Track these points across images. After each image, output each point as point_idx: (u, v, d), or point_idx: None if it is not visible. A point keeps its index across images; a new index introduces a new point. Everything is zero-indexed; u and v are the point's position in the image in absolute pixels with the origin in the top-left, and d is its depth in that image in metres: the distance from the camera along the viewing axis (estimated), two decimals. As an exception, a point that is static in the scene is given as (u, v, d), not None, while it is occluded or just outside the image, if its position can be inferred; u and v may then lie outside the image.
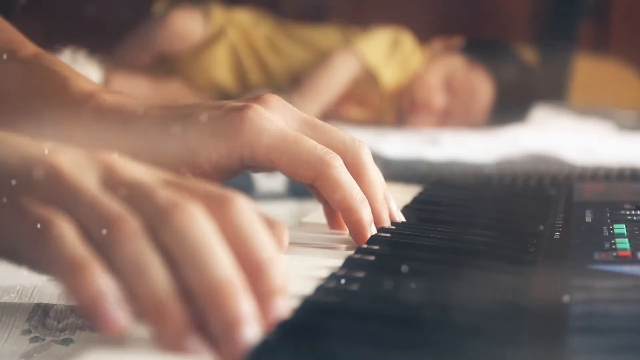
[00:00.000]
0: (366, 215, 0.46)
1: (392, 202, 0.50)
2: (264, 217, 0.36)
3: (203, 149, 0.47)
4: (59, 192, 0.32)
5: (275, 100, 0.49)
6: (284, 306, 0.32)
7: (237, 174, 0.49)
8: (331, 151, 0.47)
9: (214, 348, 0.30)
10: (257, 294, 0.32)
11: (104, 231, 0.31)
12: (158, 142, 0.47)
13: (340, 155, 0.47)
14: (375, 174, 0.49)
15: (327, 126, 0.49)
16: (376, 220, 0.48)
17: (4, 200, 0.32)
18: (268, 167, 0.49)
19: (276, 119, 0.47)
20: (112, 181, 0.33)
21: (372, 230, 0.47)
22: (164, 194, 0.32)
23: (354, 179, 0.47)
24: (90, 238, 0.31)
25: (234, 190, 0.34)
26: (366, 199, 0.47)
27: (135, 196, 0.32)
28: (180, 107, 0.49)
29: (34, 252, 0.31)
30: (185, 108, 0.48)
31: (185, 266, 0.31)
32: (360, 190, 0.47)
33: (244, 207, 0.33)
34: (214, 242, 0.31)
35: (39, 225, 0.31)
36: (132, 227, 0.31)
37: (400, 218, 0.50)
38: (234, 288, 0.31)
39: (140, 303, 0.30)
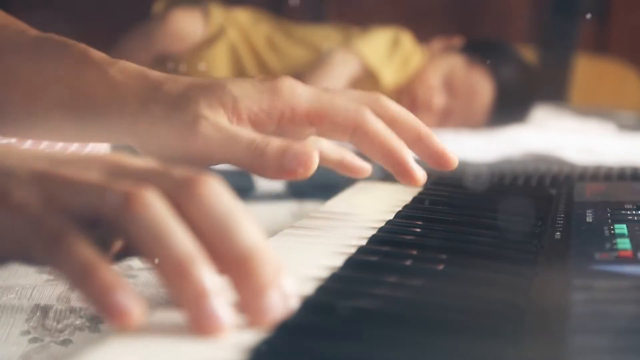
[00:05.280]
0: (407, 153, 0.49)
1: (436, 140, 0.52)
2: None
3: (245, 98, 0.47)
4: (66, 196, 0.31)
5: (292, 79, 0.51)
6: (283, 300, 0.31)
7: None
8: (361, 105, 0.49)
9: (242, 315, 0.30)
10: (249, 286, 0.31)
11: (119, 210, 0.30)
12: (196, 89, 0.48)
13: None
14: (404, 112, 0.51)
15: (341, 89, 0.52)
16: (433, 149, 0.51)
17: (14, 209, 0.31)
18: (298, 132, 0.49)
19: (307, 85, 0.50)
20: (118, 171, 0.32)
21: (418, 169, 0.50)
22: (180, 170, 0.32)
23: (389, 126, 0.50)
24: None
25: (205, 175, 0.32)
26: (403, 143, 0.50)
27: (148, 176, 0.32)
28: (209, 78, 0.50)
29: (45, 260, 0.30)
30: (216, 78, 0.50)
31: (215, 235, 0.31)
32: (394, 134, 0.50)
33: (216, 190, 0.32)
34: (239, 212, 0.31)
35: (49, 237, 0.30)
36: (148, 195, 0.30)
37: (454, 156, 0.52)
38: (264, 254, 0.31)
39: (163, 264, 0.29)
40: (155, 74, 0.49)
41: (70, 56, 0.50)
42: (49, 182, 0.31)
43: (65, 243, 0.29)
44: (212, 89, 0.47)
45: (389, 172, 0.51)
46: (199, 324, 0.29)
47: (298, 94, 0.49)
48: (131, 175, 0.32)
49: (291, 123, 0.48)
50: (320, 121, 0.49)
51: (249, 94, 0.48)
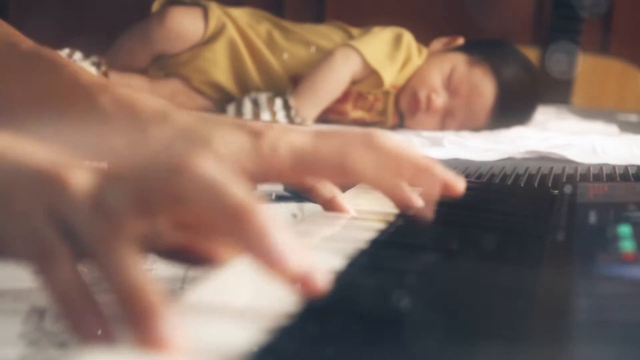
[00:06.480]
0: (397, 185, 0.48)
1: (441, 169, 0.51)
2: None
3: (230, 158, 0.47)
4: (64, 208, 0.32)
5: (282, 124, 0.50)
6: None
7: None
8: (348, 146, 0.48)
9: None
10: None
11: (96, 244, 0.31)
12: (182, 138, 0.47)
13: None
14: (399, 147, 0.50)
15: (336, 131, 0.51)
16: (436, 179, 0.50)
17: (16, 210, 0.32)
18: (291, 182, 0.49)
19: (293, 136, 0.49)
20: (111, 179, 0.32)
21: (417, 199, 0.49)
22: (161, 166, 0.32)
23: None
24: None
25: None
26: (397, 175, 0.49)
27: (138, 184, 0.32)
28: (202, 115, 0.50)
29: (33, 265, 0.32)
30: (207, 117, 0.49)
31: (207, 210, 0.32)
32: (388, 163, 0.49)
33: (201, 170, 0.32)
34: (221, 182, 0.32)
35: (41, 252, 0.31)
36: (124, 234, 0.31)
37: (459, 182, 0.50)
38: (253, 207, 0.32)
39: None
40: (146, 108, 0.48)
41: (60, 79, 0.49)
42: (53, 191, 0.32)
43: (53, 261, 0.31)
44: (197, 144, 0.47)
45: None
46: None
47: (283, 153, 0.48)
48: (122, 188, 0.32)
49: (279, 179, 0.49)
50: (306, 173, 0.48)
51: (234, 154, 0.47)
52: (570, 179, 0.70)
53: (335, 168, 0.48)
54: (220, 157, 0.47)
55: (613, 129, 1.56)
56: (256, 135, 0.48)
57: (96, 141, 0.47)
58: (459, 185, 0.50)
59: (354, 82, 1.47)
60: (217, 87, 1.50)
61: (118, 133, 0.47)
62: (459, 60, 1.46)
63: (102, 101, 0.47)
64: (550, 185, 0.68)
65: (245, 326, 0.31)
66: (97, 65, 1.41)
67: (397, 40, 1.49)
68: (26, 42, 0.53)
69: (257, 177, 0.48)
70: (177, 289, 0.38)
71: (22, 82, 0.50)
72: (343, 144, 0.49)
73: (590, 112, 1.73)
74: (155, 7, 1.53)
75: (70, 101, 0.48)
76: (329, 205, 0.55)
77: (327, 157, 0.48)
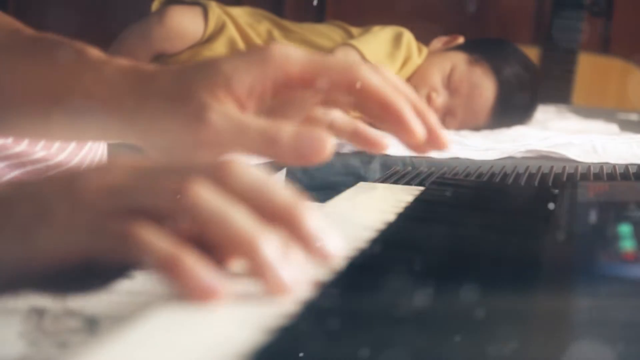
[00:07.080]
0: (407, 108, 0.48)
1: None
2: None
3: (235, 73, 0.46)
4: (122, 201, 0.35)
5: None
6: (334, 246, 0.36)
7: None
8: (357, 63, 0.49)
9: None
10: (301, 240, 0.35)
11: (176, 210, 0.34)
12: (189, 75, 0.47)
13: None
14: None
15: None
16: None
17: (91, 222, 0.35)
18: (299, 102, 0.49)
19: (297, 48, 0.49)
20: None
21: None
22: (206, 162, 0.37)
23: None
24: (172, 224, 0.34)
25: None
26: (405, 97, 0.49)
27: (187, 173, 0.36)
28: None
29: (131, 261, 0.35)
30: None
31: (256, 199, 0.35)
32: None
33: (243, 169, 0.36)
34: (268, 180, 0.36)
35: (122, 240, 0.34)
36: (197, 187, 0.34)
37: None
38: (301, 205, 0.36)
39: (233, 239, 0.34)
40: (147, 66, 0.48)
41: (66, 56, 0.49)
42: (141, 206, 0.35)
43: (181, 266, 0.33)
44: (205, 72, 0.46)
45: (389, 171, 0.50)
46: (270, 288, 0.34)
47: (289, 56, 0.47)
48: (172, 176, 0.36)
49: (287, 88, 0.47)
50: (315, 80, 0.47)
51: (238, 68, 0.46)
52: (571, 178, 0.70)
53: (347, 75, 0.47)
54: (226, 77, 0.46)
55: (613, 128, 1.56)
56: (262, 47, 0.48)
57: (107, 106, 0.48)
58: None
59: (354, 82, 1.46)
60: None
61: (127, 93, 0.47)
62: (459, 60, 1.46)
63: (108, 71, 0.48)
64: (550, 184, 0.68)
65: (245, 326, 0.31)
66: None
67: (397, 40, 1.48)
68: (28, 30, 0.53)
69: (264, 86, 0.47)
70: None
71: (28, 62, 0.51)
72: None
73: (591, 111, 1.73)
74: (155, 6, 1.53)
75: (77, 75, 0.49)
76: (357, 140, 0.53)
77: (339, 63, 0.48)
